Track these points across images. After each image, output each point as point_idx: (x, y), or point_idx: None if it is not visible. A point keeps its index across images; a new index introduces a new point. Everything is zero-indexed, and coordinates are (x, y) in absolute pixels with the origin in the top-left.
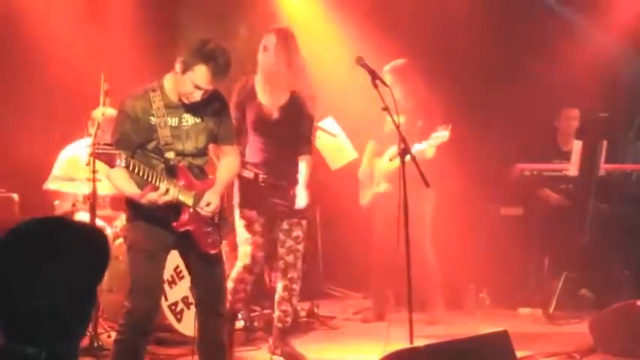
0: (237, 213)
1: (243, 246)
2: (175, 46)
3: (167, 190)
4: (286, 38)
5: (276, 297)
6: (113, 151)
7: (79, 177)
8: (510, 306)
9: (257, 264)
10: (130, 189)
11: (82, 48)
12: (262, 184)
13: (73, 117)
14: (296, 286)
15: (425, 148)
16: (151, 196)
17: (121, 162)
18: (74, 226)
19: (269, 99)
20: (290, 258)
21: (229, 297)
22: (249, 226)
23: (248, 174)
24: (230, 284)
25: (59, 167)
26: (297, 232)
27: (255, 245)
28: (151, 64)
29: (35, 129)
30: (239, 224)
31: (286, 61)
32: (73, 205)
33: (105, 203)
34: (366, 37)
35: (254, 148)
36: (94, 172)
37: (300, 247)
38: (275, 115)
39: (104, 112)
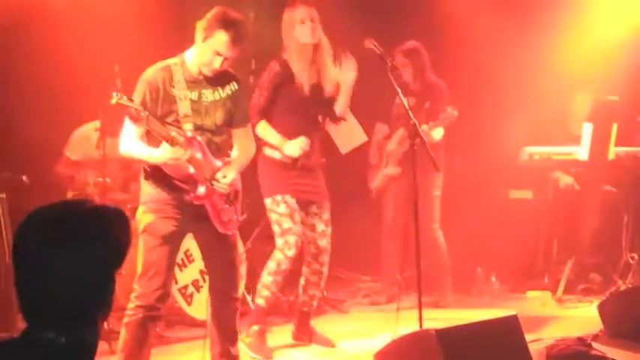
0: (273, 200)
1: (285, 236)
2: (183, 32)
3: (181, 152)
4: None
5: (303, 281)
6: (136, 106)
7: (90, 159)
8: (519, 289)
9: (299, 254)
10: (147, 148)
11: (92, 31)
12: (299, 168)
13: (82, 98)
14: (325, 269)
15: (432, 130)
16: (165, 150)
17: (144, 116)
18: (94, 209)
19: (307, 76)
20: (323, 242)
21: (273, 291)
22: (291, 215)
23: (284, 157)
24: (269, 278)
25: (72, 150)
26: (327, 215)
27: (299, 235)
28: (161, 48)
29: (44, 110)
30: (281, 212)
31: (323, 35)
32: (84, 187)
33: (115, 187)
34: (376, 17)
35: (290, 130)
36: (104, 153)
37: (330, 230)
38: (309, 93)
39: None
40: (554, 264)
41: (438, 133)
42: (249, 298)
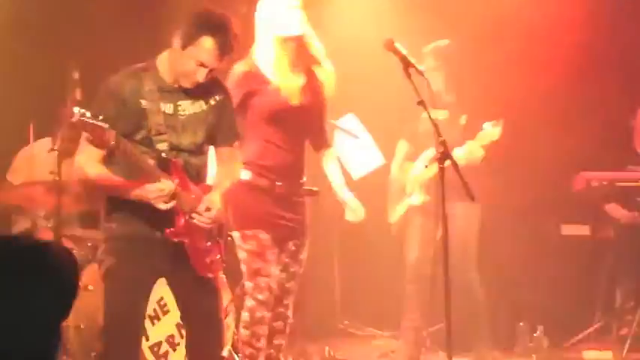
0: (243, 235)
1: (256, 278)
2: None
3: (170, 188)
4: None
5: (264, 330)
6: (103, 125)
7: (41, 185)
8: (573, 348)
9: (275, 298)
10: (117, 178)
11: (47, 30)
12: (278, 195)
13: (31, 111)
14: (290, 313)
15: (469, 152)
16: (149, 188)
17: (110, 140)
18: (35, 248)
19: (290, 78)
20: (291, 284)
21: (250, 348)
22: (261, 254)
23: (262, 181)
24: (245, 332)
25: (16, 174)
26: (303, 255)
27: (270, 277)
28: (135, 48)
29: None
30: (250, 249)
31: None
32: (33, 222)
33: (72, 220)
34: (400, 12)
35: (269, 146)
36: (60, 179)
37: (301, 271)
38: (295, 100)
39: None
40: (617, 316)
41: (477, 152)
42: (237, 357)
